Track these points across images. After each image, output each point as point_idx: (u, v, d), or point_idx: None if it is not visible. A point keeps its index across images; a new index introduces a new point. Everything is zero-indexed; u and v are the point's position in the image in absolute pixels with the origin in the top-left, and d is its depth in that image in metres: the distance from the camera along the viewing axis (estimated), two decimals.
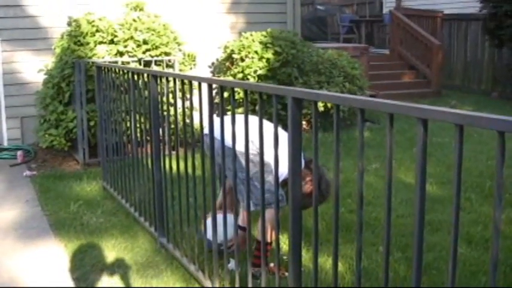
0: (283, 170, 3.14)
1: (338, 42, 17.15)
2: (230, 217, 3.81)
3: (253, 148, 3.62)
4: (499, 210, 1.87)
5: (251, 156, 3.52)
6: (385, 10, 20.39)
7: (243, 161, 3.51)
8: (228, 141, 3.55)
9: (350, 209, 5.52)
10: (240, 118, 3.44)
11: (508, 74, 13.77)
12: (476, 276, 4.23)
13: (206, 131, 4.03)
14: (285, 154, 2.92)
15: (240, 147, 3.48)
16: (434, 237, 4.92)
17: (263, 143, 3.16)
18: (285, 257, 4.03)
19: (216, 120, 3.77)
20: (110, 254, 4.79)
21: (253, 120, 3.31)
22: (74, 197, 6.32)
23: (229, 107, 3.44)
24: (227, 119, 3.57)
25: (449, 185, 6.05)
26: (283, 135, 3.03)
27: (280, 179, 3.58)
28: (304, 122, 8.69)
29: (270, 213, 3.62)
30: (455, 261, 2.05)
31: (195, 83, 3.94)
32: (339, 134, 2.45)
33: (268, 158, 3.32)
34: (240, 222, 3.99)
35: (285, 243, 4.32)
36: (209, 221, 4.02)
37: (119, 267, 4.53)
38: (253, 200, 3.82)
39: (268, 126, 3.26)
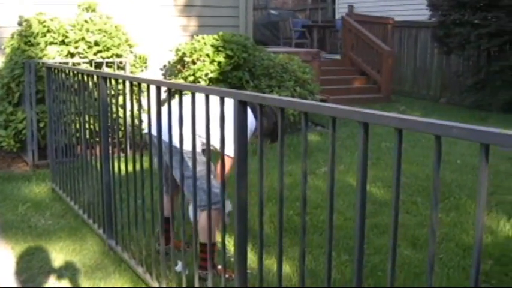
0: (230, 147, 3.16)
1: (290, 46, 17.26)
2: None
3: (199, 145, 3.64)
4: (435, 212, 1.93)
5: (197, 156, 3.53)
6: (337, 16, 20.61)
7: (188, 161, 3.55)
8: (175, 140, 3.57)
9: (298, 212, 5.56)
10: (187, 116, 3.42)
11: (456, 81, 14.05)
12: (420, 278, 4.31)
13: (147, 129, 4.08)
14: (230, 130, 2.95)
15: (187, 146, 3.49)
16: (381, 240, 5.00)
17: (210, 145, 3.19)
18: (232, 259, 4.06)
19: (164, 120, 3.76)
20: (58, 256, 4.76)
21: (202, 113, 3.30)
22: (22, 199, 6.26)
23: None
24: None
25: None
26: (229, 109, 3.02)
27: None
28: None
29: (214, 214, 3.64)
30: (394, 262, 2.10)
31: (145, 85, 3.96)
32: (284, 136, 2.49)
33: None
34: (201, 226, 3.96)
35: (232, 245, 4.35)
36: None
37: (67, 270, 4.51)
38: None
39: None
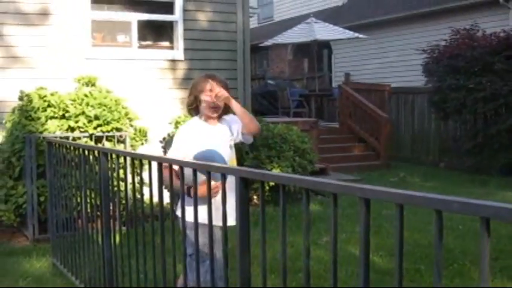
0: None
1: (288, 116, 17.41)
2: None
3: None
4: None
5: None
6: (334, 84, 20.88)
7: (191, 237, 3.56)
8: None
9: (302, 283, 5.53)
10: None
11: (454, 145, 14.12)
12: None
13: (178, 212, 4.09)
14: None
15: (188, 217, 3.51)
16: None
17: (212, 224, 3.19)
18: None
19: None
20: None
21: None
22: (23, 274, 6.22)
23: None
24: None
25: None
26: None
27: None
28: (254, 197, 8.74)
29: None
30: None
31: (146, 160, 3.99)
32: (286, 212, 2.51)
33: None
34: None
35: None
36: None
37: None
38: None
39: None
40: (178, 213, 3.92)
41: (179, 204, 4.14)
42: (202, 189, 3.28)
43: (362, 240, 2.13)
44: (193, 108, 4.63)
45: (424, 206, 1.94)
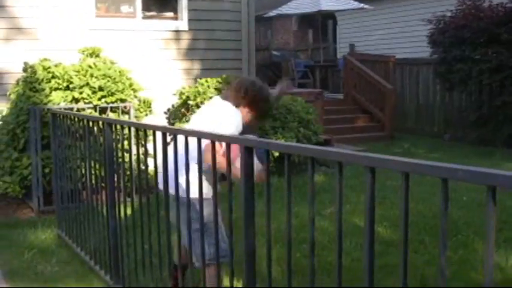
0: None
1: (293, 87, 17.33)
2: None
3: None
4: (443, 256, 1.93)
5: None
6: (339, 55, 20.78)
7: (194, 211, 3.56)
8: (183, 187, 3.57)
9: (306, 254, 5.52)
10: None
11: (459, 117, 14.08)
12: None
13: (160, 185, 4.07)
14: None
15: (193, 193, 3.49)
16: (390, 280, 4.97)
17: (217, 197, 3.19)
18: None
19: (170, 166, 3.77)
20: None
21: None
22: (28, 246, 6.25)
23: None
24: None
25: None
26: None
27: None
28: None
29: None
30: None
31: (150, 131, 3.98)
32: (291, 182, 2.50)
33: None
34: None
35: None
36: None
37: None
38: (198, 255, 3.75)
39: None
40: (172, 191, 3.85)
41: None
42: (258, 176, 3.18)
43: (367, 209, 2.13)
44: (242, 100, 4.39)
45: (429, 175, 1.93)
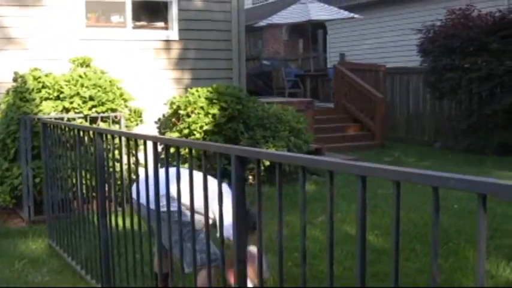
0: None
1: (284, 96, 17.36)
2: None
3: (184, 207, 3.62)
4: (435, 264, 1.94)
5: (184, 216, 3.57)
6: (329, 64, 20.84)
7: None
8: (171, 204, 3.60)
9: (297, 263, 5.54)
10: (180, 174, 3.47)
11: (449, 125, 14.14)
12: None
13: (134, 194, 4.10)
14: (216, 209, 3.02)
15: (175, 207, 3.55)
16: None
17: (207, 201, 3.19)
18: None
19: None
20: None
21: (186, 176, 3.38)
22: (19, 255, 6.22)
23: (175, 163, 3.48)
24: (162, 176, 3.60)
25: None
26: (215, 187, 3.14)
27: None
28: (250, 177, 8.75)
29: (213, 271, 3.62)
30: None
31: (141, 140, 3.98)
32: (282, 191, 2.51)
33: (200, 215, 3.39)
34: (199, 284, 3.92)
35: None
36: None
37: None
38: (187, 261, 3.79)
39: (198, 180, 3.31)
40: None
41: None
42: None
43: (359, 218, 2.13)
44: None
45: (421, 183, 1.94)
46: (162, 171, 3.62)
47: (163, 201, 3.63)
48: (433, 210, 1.93)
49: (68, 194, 5.90)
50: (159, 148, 3.86)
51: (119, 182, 4.59)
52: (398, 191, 2.02)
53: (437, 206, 1.91)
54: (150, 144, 3.78)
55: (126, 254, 4.40)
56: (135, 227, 4.19)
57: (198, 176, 3.38)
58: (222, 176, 3.03)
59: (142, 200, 3.94)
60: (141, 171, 4.17)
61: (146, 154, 3.85)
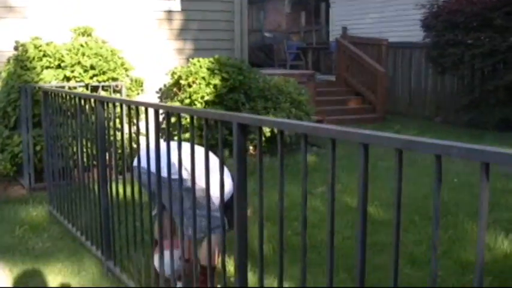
0: (215, 196, 3.24)
1: (285, 68, 17.32)
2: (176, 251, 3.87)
3: (186, 175, 3.63)
4: (436, 232, 1.94)
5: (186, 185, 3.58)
6: (331, 38, 20.70)
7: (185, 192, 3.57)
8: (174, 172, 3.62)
9: (296, 232, 5.57)
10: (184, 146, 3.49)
11: (451, 100, 14.11)
12: None
13: (135, 162, 4.11)
14: (215, 180, 3.02)
15: (174, 175, 3.57)
16: (379, 258, 5.00)
17: (209, 171, 3.19)
18: (232, 279, 4.06)
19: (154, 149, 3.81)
20: (56, 278, 4.76)
21: (187, 148, 3.39)
22: (20, 222, 6.25)
23: (176, 132, 3.48)
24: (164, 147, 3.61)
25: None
26: (215, 161, 3.16)
27: (217, 203, 3.60)
28: (251, 147, 8.75)
29: (212, 238, 3.64)
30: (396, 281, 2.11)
31: (142, 109, 3.97)
32: (283, 159, 2.51)
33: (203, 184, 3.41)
34: (186, 255, 3.96)
35: (231, 265, 4.34)
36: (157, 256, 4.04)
37: None
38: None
39: (200, 153, 3.32)
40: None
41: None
42: None
43: (361, 186, 2.13)
44: None
45: (423, 152, 1.94)
46: (164, 143, 3.63)
47: (166, 169, 3.64)
48: (435, 179, 1.93)
49: (68, 162, 5.91)
50: (160, 118, 3.85)
51: (119, 151, 4.59)
52: (400, 160, 2.02)
53: (440, 174, 1.91)
54: (151, 113, 3.77)
55: (126, 221, 4.42)
56: (136, 195, 4.21)
57: (199, 150, 3.39)
58: (223, 147, 3.03)
59: (145, 167, 3.95)
60: (142, 140, 4.17)
61: (148, 122, 3.84)
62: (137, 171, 4.16)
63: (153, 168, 3.83)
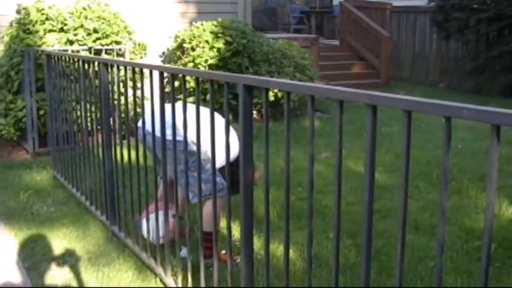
0: (221, 158, 3.22)
1: (288, 32, 17.21)
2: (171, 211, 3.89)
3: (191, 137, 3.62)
4: (445, 194, 1.93)
5: (193, 147, 3.58)
6: (335, 2, 20.53)
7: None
8: (178, 133, 3.61)
9: (300, 197, 5.58)
10: (189, 108, 3.47)
11: (455, 66, 14.03)
12: (423, 261, 4.33)
13: (139, 123, 4.10)
14: (221, 141, 3.01)
15: (180, 137, 3.57)
16: (383, 224, 5.01)
17: (214, 133, 3.17)
18: (237, 243, 4.07)
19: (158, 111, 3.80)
20: (61, 243, 4.77)
21: (191, 109, 3.38)
22: (24, 187, 6.26)
23: (180, 96, 3.46)
24: (177, 109, 3.59)
25: (398, 173, 6.15)
26: (220, 122, 3.14)
27: (218, 166, 3.58)
28: (254, 112, 8.73)
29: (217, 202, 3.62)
30: (403, 246, 2.10)
31: (146, 72, 3.94)
32: (290, 120, 2.49)
33: (206, 146, 3.40)
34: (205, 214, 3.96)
35: (236, 231, 4.35)
36: (151, 216, 4.06)
37: (71, 256, 4.51)
38: (194, 191, 3.83)
39: (205, 113, 3.30)
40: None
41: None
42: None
43: (368, 148, 2.12)
44: None
45: (432, 113, 1.91)
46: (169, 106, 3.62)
47: (170, 131, 3.63)
48: (445, 141, 1.91)
49: (72, 126, 5.89)
50: (164, 81, 3.82)
51: (123, 115, 4.57)
52: (409, 121, 1.99)
53: (449, 136, 1.90)
54: (156, 76, 3.73)
55: (131, 186, 4.42)
56: (140, 159, 4.20)
57: (204, 111, 3.37)
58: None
59: (149, 129, 3.94)
60: (146, 104, 4.15)
61: (152, 85, 3.82)
62: (141, 132, 4.15)
63: (157, 131, 3.82)
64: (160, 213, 3.99)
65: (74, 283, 4.13)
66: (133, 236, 4.52)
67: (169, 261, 3.93)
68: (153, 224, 4.01)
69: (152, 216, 4.05)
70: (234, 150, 3.43)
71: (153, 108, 3.80)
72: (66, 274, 4.25)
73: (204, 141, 3.33)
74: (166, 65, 5.84)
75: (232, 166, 3.17)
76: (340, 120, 2.22)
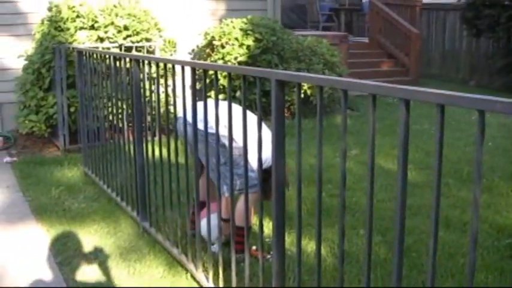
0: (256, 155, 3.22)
1: (317, 30, 17.16)
2: (214, 215, 3.86)
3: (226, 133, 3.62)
4: (478, 187, 1.92)
5: (226, 142, 3.58)
6: None
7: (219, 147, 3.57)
8: (211, 126, 3.61)
9: (330, 194, 5.57)
10: (220, 104, 3.48)
11: (486, 63, 13.90)
12: (454, 258, 4.31)
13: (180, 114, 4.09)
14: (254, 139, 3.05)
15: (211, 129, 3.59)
16: (414, 221, 4.99)
17: (246, 129, 3.18)
18: (267, 240, 4.08)
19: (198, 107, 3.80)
20: (93, 238, 4.81)
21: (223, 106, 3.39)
22: (55, 183, 6.32)
23: (210, 93, 3.48)
24: (209, 104, 3.60)
25: (428, 170, 6.13)
26: (253, 120, 3.15)
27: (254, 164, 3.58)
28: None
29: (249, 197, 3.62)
30: (435, 243, 2.10)
31: (178, 69, 3.96)
32: (322, 115, 2.49)
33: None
34: (223, 215, 3.96)
35: (266, 227, 4.36)
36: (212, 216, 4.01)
37: (102, 252, 4.55)
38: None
39: (238, 111, 3.31)
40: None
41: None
42: None
43: (401, 142, 2.12)
44: None
45: (466, 107, 1.91)
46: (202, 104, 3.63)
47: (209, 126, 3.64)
48: (478, 135, 1.90)
49: (103, 123, 5.94)
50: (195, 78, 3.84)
51: (153, 112, 4.60)
52: (442, 115, 1.99)
53: (483, 130, 1.89)
54: (187, 72, 3.75)
55: (162, 182, 4.44)
56: (172, 154, 4.22)
57: (236, 108, 3.38)
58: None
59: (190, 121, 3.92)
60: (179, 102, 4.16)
61: (184, 81, 3.84)
62: (182, 123, 4.09)
63: (199, 122, 3.81)
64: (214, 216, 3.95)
65: (105, 279, 4.17)
66: (164, 231, 4.54)
67: (200, 257, 3.94)
68: (214, 224, 3.95)
69: (214, 216, 3.97)
70: (267, 153, 3.40)
71: (195, 102, 3.77)
72: (97, 270, 4.29)
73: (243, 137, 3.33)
74: (198, 61, 5.85)
75: (265, 173, 3.19)
76: (373, 116, 2.22)
